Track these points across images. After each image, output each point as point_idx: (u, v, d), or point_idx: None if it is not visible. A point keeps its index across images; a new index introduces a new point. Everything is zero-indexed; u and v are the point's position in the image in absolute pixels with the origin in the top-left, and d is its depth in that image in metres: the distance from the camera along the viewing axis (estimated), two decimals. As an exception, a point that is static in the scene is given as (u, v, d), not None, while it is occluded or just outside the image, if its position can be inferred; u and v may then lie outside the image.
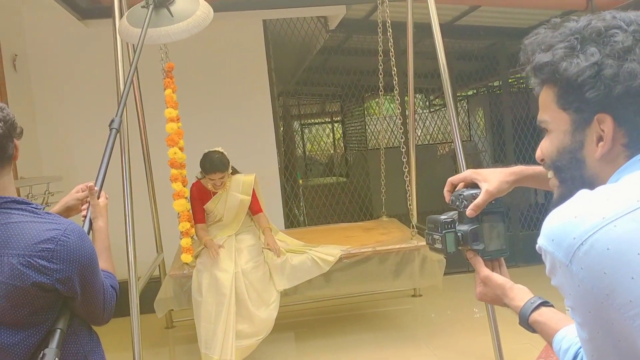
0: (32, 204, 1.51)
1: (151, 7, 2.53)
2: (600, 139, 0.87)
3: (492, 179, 1.21)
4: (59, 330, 1.45)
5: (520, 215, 6.17)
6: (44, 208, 1.55)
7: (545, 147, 0.96)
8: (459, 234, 1.18)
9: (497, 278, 1.15)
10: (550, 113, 0.93)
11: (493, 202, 1.20)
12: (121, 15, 3.45)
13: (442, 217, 1.20)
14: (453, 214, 1.22)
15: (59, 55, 5.24)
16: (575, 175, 0.91)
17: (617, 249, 0.73)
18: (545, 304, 1.07)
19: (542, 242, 0.82)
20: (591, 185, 0.87)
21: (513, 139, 6.21)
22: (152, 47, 4.14)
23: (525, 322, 1.07)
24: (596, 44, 0.85)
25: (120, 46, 3.36)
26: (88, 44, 5.07)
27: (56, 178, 4.55)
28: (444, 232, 1.19)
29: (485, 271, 1.17)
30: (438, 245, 1.20)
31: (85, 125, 5.13)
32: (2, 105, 1.47)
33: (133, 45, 4.19)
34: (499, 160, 7.30)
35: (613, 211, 0.76)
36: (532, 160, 1.26)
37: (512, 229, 6.10)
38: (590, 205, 0.78)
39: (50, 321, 1.47)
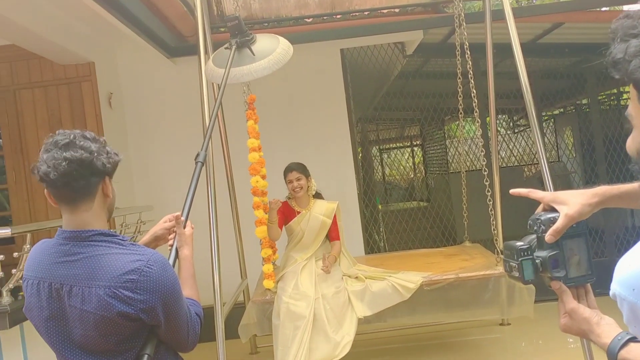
0: (118, 235, 1.57)
1: (234, 47, 2.67)
2: None
3: (572, 202, 1.14)
4: (146, 356, 1.50)
5: (616, 239, 5.80)
6: (131, 239, 1.62)
7: (628, 145, 0.89)
8: (537, 261, 1.12)
9: (584, 311, 1.09)
10: (634, 107, 0.87)
11: (574, 225, 1.12)
12: (206, 52, 3.64)
13: (519, 243, 1.15)
14: (531, 240, 1.15)
15: (150, 91, 5.57)
16: None
17: None
18: (633, 339, 0.99)
19: (619, 290, 0.75)
20: None
21: (605, 158, 5.88)
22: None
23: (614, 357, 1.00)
24: None
25: (206, 82, 3.52)
26: (176, 80, 5.37)
27: (148, 208, 4.80)
28: (520, 259, 1.13)
29: (572, 303, 1.10)
30: (515, 273, 1.14)
31: (174, 157, 5.40)
32: (82, 144, 1.49)
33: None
34: (590, 181, 6.92)
35: None
36: (625, 181, 1.17)
37: (607, 254, 5.73)
38: None
39: (137, 348, 1.53)
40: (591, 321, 1.07)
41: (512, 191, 1.24)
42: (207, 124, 2.19)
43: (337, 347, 3.65)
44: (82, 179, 1.49)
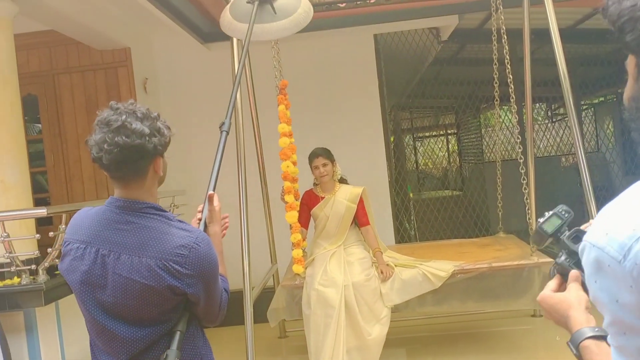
0: (167, 212, 1.62)
1: (256, 3, 2.52)
2: None
3: None
4: (179, 332, 1.54)
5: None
6: (177, 217, 1.65)
7: (624, 95, 0.87)
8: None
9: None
10: (628, 58, 0.86)
11: None
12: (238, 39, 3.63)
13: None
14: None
15: (185, 77, 5.62)
16: None
17: None
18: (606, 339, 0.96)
19: (591, 237, 0.73)
20: None
21: (647, 149, 5.69)
22: (267, 66, 4.31)
23: (576, 344, 0.96)
24: None
25: (238, 67, 3.52)
26: (210, 66, 5.40)
27: (180, 192, 4.87)
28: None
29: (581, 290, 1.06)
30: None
31: (208, 143, 5.39)
32: (134, 127, 1.48)
33: (250, 67, 4.38)
34: (630, 172, 6.70)
35: None
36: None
37: None
38: None
39: (173, 321, 1.56)
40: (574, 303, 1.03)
41: None
42: (232, 93, 2.14)
43: (374, 345, 3.66)
44: (134, 163, 1.51)
